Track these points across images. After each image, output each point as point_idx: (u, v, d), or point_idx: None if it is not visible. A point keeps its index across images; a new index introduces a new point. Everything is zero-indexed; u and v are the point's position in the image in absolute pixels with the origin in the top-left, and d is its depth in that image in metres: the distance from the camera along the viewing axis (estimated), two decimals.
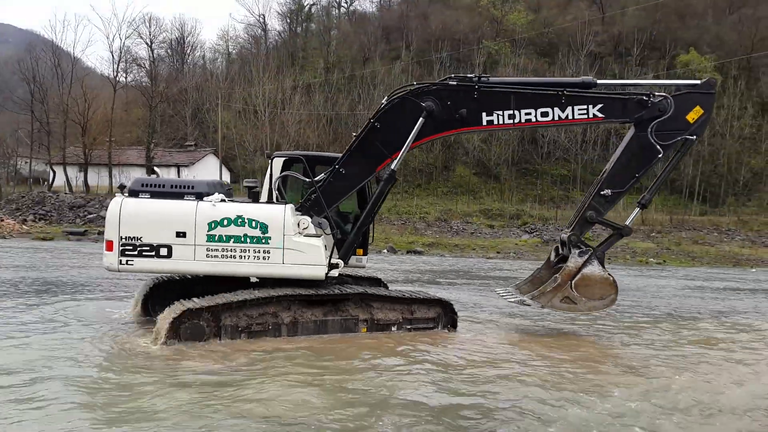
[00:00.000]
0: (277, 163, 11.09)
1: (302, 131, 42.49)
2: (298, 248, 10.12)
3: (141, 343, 9.34)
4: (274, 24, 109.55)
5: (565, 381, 7.92)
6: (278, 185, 10.77)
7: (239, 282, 10.51)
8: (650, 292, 18.00)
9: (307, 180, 10.61)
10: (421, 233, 33.94)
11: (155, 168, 12.55)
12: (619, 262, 28.18)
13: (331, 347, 9.52)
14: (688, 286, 20.10)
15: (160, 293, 11.29)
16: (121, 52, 50.89)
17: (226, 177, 42.31)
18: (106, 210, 10.13)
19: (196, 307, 9.35)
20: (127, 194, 9.94)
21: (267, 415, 6.34)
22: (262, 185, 11.44)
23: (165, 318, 9.29)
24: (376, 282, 12.24)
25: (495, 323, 12.26)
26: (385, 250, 28.88)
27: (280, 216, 10.04)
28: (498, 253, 30.15)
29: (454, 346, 10.05)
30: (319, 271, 10.14)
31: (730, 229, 37.98)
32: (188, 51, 67.27)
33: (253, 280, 10.82)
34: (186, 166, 42.43)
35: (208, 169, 41.55)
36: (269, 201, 10.75)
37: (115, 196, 10.36)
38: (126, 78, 54.33)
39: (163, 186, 10.19)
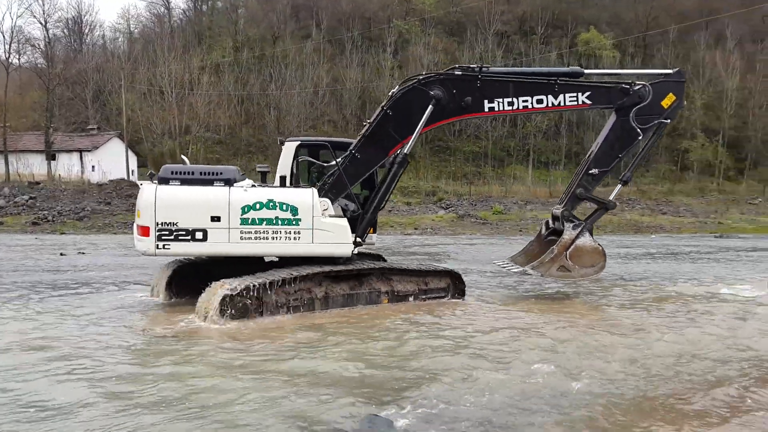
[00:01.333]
0: (290, 147, 11.47)
1: (212, 112, 41.37)
2: (327, 228, 10.75)
3: (185, 322, 9.74)
4: (178, 1, 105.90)
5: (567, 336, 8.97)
6: (295, 169, 11.30)
7: (258, 263, 11.10)
8: None
9: (325, 164, 11.25)
10: None
11: (182, 156, 13.34)
12: (530, 234, 29.18)
13: (364, 319, 10.31)
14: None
15: (183, 277, 11.67)
16: (12, 32, 47.79)
17: (133, 161, 40.69)
18: (137, 198, 10.42)
19: (242, 286, 9.76)
20: (156, 182, 10.21)
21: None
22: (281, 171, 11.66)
23: (211, 298, 9.72)
24: (378, 258, 12.53)
25: (493, 291, 13.49)
26: None
27: (309, 199, 10.63)
28: (416, 229, 30.61)
29: (465, 311, 11.03)
30: (347, 249, 10.88)
31: (631, 199, 40.06)
32: (86, 31, 63.89)
33: (270, 259, 11.43)
34: (89, 150, 40.42)
35: (113, 153, 39.76)
36: (293, 185, 11.21)
37: (141, 184, 10.70)
38: (19, 60, 51.14)
39: (193, 173, 10.50)
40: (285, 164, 11.48)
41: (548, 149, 47.38)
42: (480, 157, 44.01)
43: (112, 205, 28.94)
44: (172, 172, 10.40)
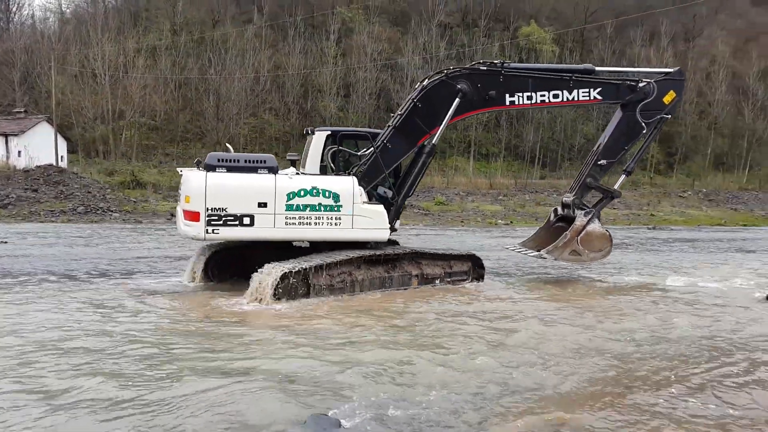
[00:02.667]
0: (320, 137, 11.86)
1: (148, 97, 39.99)
2: (366, 214, 11.39)
3: (239, 303, 10.21)
4: None
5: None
6: (329, 158, 11.67)
7: (289, 249, 11.82)
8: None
9: (358, 153, 11.85)
10: None
11: (227, 144, 13.73)
12: (471, 224, 29.47)
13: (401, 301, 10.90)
14: None
15: (219, 262, 12.16)
16: None
17: (62, 147, 38.98)
18: (181, 185, 10.88)
19: (295, 269, 10.30)
20: (203, 169, 10.64)
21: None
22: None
23: (264, 281, 10.24)
24: (394, 243, 12.80)
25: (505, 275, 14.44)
26: None
27: (350, 186, 11.22)
28: None
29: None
30: (384, 234, 11.56)
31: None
32: (14, 9, 60.80)
33: (298, 245, 12.14)
34: (15, 135, 38.45)
35: (41, 138, 37.98)
36: (325, 173, 11.65)
37: (181, 171, 11.24)
38: None
39: (238, 161, 10.89)
40: (315, 152, 11.81)
41: (488, 141, 47.95)
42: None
43: (39, 192, 27.64)
44: (218, 160, 10.76)
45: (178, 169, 11.65)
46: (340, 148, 11.86)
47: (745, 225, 35.42)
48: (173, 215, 27.04)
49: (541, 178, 45.96)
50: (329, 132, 12.00)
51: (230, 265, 12.14)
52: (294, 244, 12.12)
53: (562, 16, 60.63)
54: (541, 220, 32.56)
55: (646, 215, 35.87)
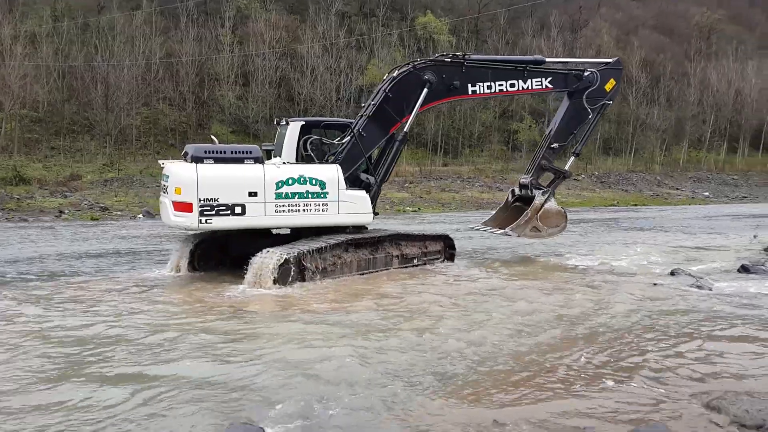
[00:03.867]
0: (294, 127, 12.41)
1: (29, 87, 37.03)
2: (351, 200, 12.05)
3: (246, 290, 10.68)
4: None
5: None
6: (309, 147, 12.20)
7: (269, 236, 12.45)
8: None
9: (334, 142, 12.46)
10: None
11: (212, 136, 14.00)
12: (379, 211, 29.28)
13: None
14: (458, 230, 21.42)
15: (202, 252, 12.50)
16: None
17: None
18: (168, 177, 11.19)
19: (292, 253, 10.90)
20: (190, 161, 10.94)
21: None
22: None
23: (265, 265, 10.76)
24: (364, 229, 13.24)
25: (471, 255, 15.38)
26: (141, 215, 26.63)
27: (335, 174, 11.83)
28: None
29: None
30: (368, 218, 12.39)
31: (470, 177, 41.77)
32: None
33: (280, 231, 12.65)
34: None
35: None
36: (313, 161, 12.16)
37: (163, 163, 11.74)
38: None
39: (224, 152, 11.27)
40: (291, 142, 12.30)
41: None
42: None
43: None
44: (205, 152, 11.07)
45: (160, 162, 12.09)
46: (317, 137, 12.33)
47: (635, 205, 37.50)
48: (62, 212, 25.24)
49: (443, 165, 46.63)
50: (303, 122, 12.59)
51: (213, 254, 12.55)
52: (273, 231, 12.61)
53: (456, 7, 61.69)
54: (447, 206, 33.19)
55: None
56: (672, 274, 12.97)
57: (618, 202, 38.12)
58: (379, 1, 54.65)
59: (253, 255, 11.21)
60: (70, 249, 16.06)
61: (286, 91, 44.34)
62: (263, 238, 12.13)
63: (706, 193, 45.58)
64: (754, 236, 18.22)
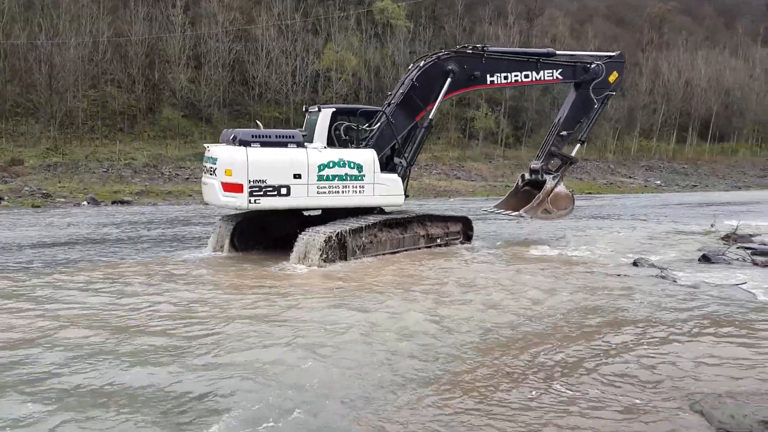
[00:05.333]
0: (326, 113, 12.92)
1: None
2: (385, 183, 12.88)
3: (294, 267, 11.50)
4: None
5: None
6: (342, 132, 12.87)
7: (301, 217, 13.21)
8: None
9: (364, 128, 13.11)
10: (128, 181, 30.84)
11: (257, 121, 16.47)
12: None
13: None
14: None
15: (242, 232, 13.14)
16: None
17: None
18: (216, 159, 11.81)
19: (336, 232, 11.62)
20: (238, 144, 11.55)
21: None
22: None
23: (310, 244, 11.50)
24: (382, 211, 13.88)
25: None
26: (85, 203, 25.51)
27: (371, 157, 12.65)
28: None
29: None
30: (400, 200, 13.29)
31: (428, 164, 41.56)
32: None
33: (309, 214, 13.36)
34: None
35: None
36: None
37: (208, 147, 12.41)
38: None
39: (269, 136, 12.07)
40: (322, 128, 12.78)
41: None
42: (281, 122, 42.71)
43: None
44: (252, 136, 11.78)
45: (205, 145, 12.80)
46: (348, 123, 12.97)
47: (590, 193, 37.89)
48: (1, 199, 23.98)
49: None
50: (335, 109, 13.17)
51: (251, 235, 13.20)
52: (305, 213, 13.34)
53: None
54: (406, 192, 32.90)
55: (502, 186, 37.22)
56: (635, 264, 12.90)
57: (573, 191, 38.41)
58: None
59: (290, 235, 12.14)
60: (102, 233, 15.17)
61: (240, 74, 43.21)
62: (297, 219, 13.02)
63: (658, 182, 46.49)
64: (712, 225, 18.42)
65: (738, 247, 14.80)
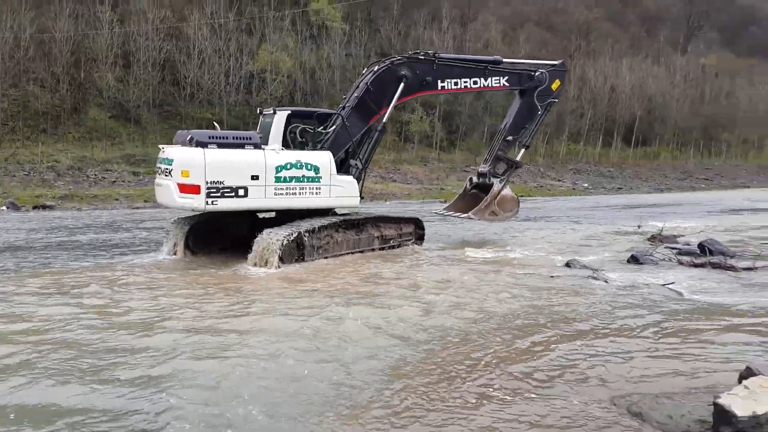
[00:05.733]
0: (281, 116, 13.15)
1: None
2: (341, 184, 13.04)
3: (250, 269, 11.58)
4: None
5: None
6: (297, 134, 13.08)
7: (256, 219, 13.39)
8: None
9: (319, 131, 13.31)
10: (51, 185, 29.54)
11: (215, 122, 15.64)
12: None
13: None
14: None
15: (197, 233, 13.08)
16: None
17: None
18: (173, 160, 11.65)
19: (294, 233, 11.73)
20: (195, 145, 11.53)
21: None
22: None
23: (271, 244, 11.49)
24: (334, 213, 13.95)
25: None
26: (4, 207, 24.27)
27: (327, 159, 12.84)
28: (146, 201, 27.91)
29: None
30: (356, 201, 13.54)
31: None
32: None
33: (263, 216, 13.60)
34: None
35: None
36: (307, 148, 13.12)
37: (163, 148, 12.29)
38: None
39: (226, 138, 12.10)
40: (277, 130, 13.01)
41: None
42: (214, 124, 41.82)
43: None
44: (209, 137, 11.81)
45: (160, 146, 12.57)
46: (303, 126, 13.13)
47: (521, 195, 38.57)
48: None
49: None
50: (290, 111, 13.35)
51: (206, 237, 13.17)
52: (259, 215, 13.55)
53: None
54: None
55: (437, 189, 37.63)
56: (567, 265, 13.23)
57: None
58: None
59: (244, 237, 12.30)
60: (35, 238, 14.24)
61: (171, 74, 42.06)
62: (252, 221, 13.17)
63: (586, 185, 47.98)
64: (638, 226, 19.12)
65: (664, 248, 15.39)
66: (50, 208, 25.25)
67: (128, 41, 40.77)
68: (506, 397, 5.83)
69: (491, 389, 6.02)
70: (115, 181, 31.26)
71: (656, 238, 16.89)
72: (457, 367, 6.67)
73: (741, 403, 4.99)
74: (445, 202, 33.15)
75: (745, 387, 5.22)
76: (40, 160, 32.11)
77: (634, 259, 13.94)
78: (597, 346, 7.56)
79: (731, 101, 76.67)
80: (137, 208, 26.53)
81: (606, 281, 11.65)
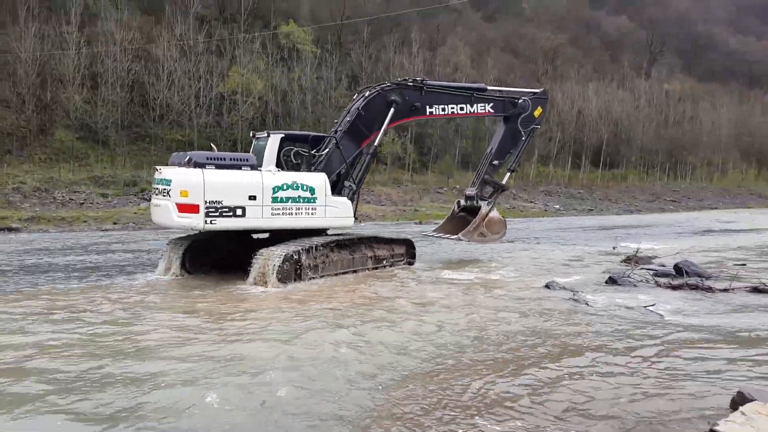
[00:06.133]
0: (275, 139, 13.46)
1: None
2: (336, 205, 13.40)
3: (249, 289, 11.80)
4: None
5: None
6: (291, 157, 13.47)
7: (250, 240, 13.75)
8: None
9: (313, 153, 13.70)
10: (17, 207, 28.72)
11: (212, 144, 16.17)
12: None
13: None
14: None
15: (192, 253, 13.21)
16: None
17: None
18: (172, 181, 11.78)
19: (292, 252, 12.05)
20: (193, 166, 11.77)
21: None
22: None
23: (269, 264, 11.79)
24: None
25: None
26: None
27: (322, 181, 13.18)
28: (115, 224, 27.29)
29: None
30: (350, 222, 13.87)
31: None
32: None
33: (257, 236, 13.88)
34: None
35: None
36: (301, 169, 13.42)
37: (159, 169, 12.44)
38: None
39: (224, 159, 12.33)
40: (271, 153, 13.32)
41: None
42: (184, 145, 41.34)
43: None
44: (207, 158, 12.02)
45: (157, 167, 12.72)
46: (296, 149, 13.49)
47: None
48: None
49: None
50: (283, 134, 13.68)
51: (201, 257, 13.37)
52: (253, 236, 13.84)
53: (319, 18, 61.34)
54: None
55: (411, 210, 37.59)
56: (547, 287, 13.20)
57: None
58: (240, 6, 53.05)
59: (237, 257, 12.77)
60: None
61: (140, 95, 41.53)
62: (247, 241, 13.56)
63: (557, 206, 48.45)
64: (614, 247, 19.27)
65: (640, 269, 15.50)
66: (16, 230, 24.51)
67: (95, 62, 40.20)
68: (490, 427, 5.70)
69: (468, 424, 5.87)
70: (83, 203, 30.54)
71: (631, 260, 17.02)
72: (437, 395, 6.56)
73: (739, 430, 4.93)
74: (420, 223, 33.24)
75: (742, 413, 5.16)
76: (5, 181, 31.26)
77: (612, 281, 13.97)
78: (582, 370, 7.45)
79: (694, 125, 78.60)
80: (106, 230, 25.90)
81: (587, 303, 11.62)
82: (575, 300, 11.79)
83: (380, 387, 6.59)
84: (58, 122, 38.48)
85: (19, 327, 8.79)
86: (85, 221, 27.27)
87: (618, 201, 57.04)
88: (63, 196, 30.88)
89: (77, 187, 32.38)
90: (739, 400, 5.95)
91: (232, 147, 43.74)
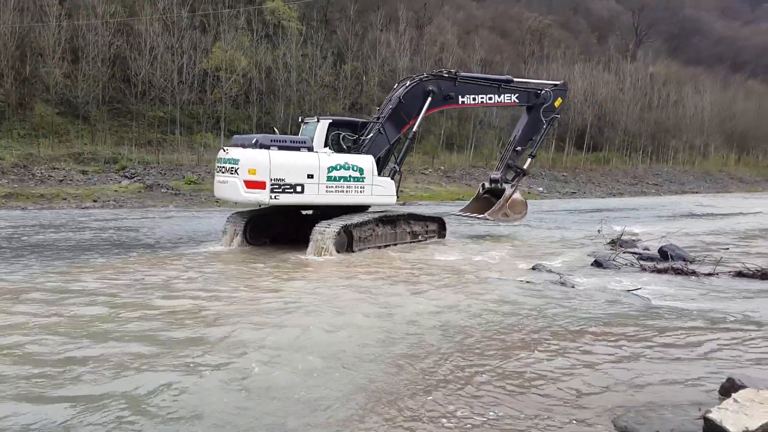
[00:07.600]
0: (324, 124, 15.16)
1: None
2: (381, 184, 14.92)
3: (309, 257, 13.49)
4: None
5: None
6: (335, 140, 15.11)
7: (300, 216, 15.37)
8: None
9: (358, 137, 15.30)
10: None
11: (273, 127, 17.88)
12: (228, 205, 27.77)
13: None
14: None
15: (253, 227, 14.91)
16: None
17: None
18: (239, 159, 13.41)
19: (346, 225, 13.75)
20: (259, 147, 13.48)
21: None
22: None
23: (325, 236, 13.42)
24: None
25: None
26: None
27: (370, 162, 14.62)
28: (95, 201, 26.95)
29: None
30: (393, 200, 15.54)
31: None
32: None
33: (306, 213, 15.44)
34: None
35: None
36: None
37: (225, 150, 13.95)
38: None
39: (285, 141, 13.98)
40: (320, 136, 14.97)
41: (238, 118, 45.99)
42: (166, 122, 40.74)
43: None
44: (271, 140, 13.76)
45: (223, 148, 14.27)
46: (344, 132, 15.11)
47: None
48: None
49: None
50: (331, 120, 15.32)
51: (261, 230, 15.08)
52: (302, 212, 15.40)
53: None
54: None
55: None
56: (534, 269, 13.18)
57: (463, 197, 39.28)
58: None
59: (289, 230, 15.03)
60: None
61: (121, 70, 40.77)
62: (298, 217, 15.24)
63: (541, 189, 48.54)
64: (599, 230, 19.29)
65: (625, 252, 15.53)
66: None
67: (76, 36, 39.33)
68: (482, 413, 5.62)
69: (457, 408, 5.79)
70: (62, 180, 30.05)
71: (616, 243, 17.05)
72: (425, 379, 6.47)
73: (732, 417, 4.89)
74: (404, 204, 33.12)
75: (735, 401, 5.13)
76: None
77: (597, 264, 14.00)
78: (570, 355, 7.43)
79: (678, 109, 78.91)
80: (86, 208, 25.53)
81: (573, 286, 11.62)
82: (562, 283, 11.78)
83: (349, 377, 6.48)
84: (37, 97, 37.69)
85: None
86: (64, 198, 26.87)
87: (601, 184, 57.30)
88: (42, 173, 30.34)
89: (57, 164, 31.82)
90: (729, 386, 5.92)
91: (215, 124, 43.24)
